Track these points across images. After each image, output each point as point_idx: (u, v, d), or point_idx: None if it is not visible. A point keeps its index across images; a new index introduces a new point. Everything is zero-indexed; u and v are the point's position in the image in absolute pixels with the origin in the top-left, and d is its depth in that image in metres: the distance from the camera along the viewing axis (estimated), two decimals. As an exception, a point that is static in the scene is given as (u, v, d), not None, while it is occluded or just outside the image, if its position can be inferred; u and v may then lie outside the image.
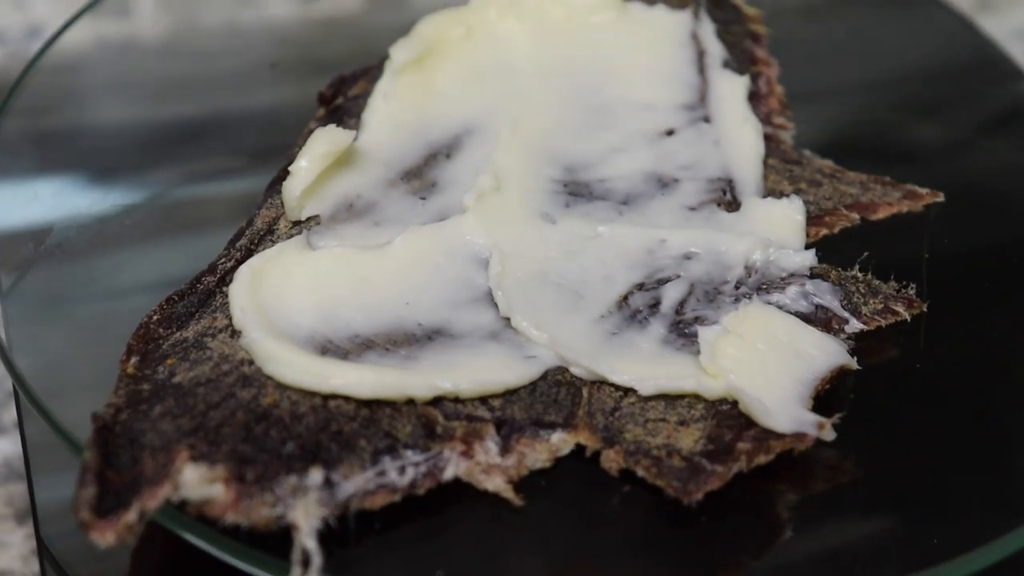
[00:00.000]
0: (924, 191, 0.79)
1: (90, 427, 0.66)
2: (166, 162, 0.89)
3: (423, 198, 0.77)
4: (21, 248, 0.81)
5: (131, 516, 0.63)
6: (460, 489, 0.68)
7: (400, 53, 0.81)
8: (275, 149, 0.83)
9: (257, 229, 0.75)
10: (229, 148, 0.90)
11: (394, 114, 0.79)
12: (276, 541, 0.64)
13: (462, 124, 0.80)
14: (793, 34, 0.89)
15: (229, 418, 0.67)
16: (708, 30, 0.84)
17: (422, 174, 0.78)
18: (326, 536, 0.64)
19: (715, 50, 0.83)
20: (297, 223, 0.76)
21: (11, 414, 0.85)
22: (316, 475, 0.65)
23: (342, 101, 0.81)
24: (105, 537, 0.62)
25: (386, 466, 0.66)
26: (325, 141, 0.76)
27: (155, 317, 0.72)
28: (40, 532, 0.72)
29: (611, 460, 0.68)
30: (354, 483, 0.66)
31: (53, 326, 0.79)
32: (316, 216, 0.76)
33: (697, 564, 0.67)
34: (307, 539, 0.64)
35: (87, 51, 0.98)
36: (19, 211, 0.84)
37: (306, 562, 0.63)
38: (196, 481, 0.64)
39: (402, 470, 0.67)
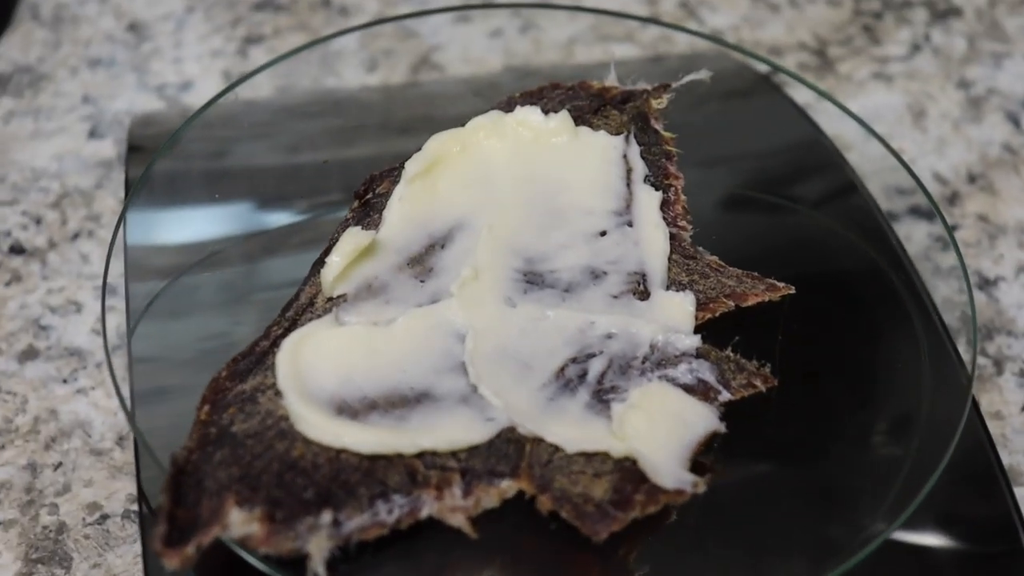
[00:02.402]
0: (781, 285, 0.67)
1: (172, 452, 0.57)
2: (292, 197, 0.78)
3: (422, 281, 0.66)
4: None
5: (190, 549, 0.53)
6: (431, 523, 0.58)
7: (412, 166, 0.69)
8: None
9: (301, 303, 0.65)
10: (334, 187, 0.78)
11: (405, 212, 0.68)
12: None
13: (455, 220, 0.68)
14: (671, 120, 0.76)
15: (267, 467, 0.57)
16: (635, 151, 0.72)
17: (423, 261, 0.67)
18: (332, 561, 0.55)
19: (639, 167, 0.71)
20: (330, 299, 0.65)
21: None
22: (327, 516, 0.56)
23: (371, 197, 0.70)
24: (172, 563, 0.53)
25: (379, 508, 0.57)
26: (352, 241, 0.65)
27: (223, 373, 0.62)
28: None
29: (543, 504, 0.58)
30: (355, 522, 0.56)
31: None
32: (344, 295, 0.65)
33: (600, 583, 0.58)
34: (319, 566, 0.55)
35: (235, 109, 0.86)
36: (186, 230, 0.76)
37: (317, 584, 0.54)
38: (239, 523, 0.55)
39: (390, 511, 0.57)
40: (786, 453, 0.62)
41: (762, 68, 0.90)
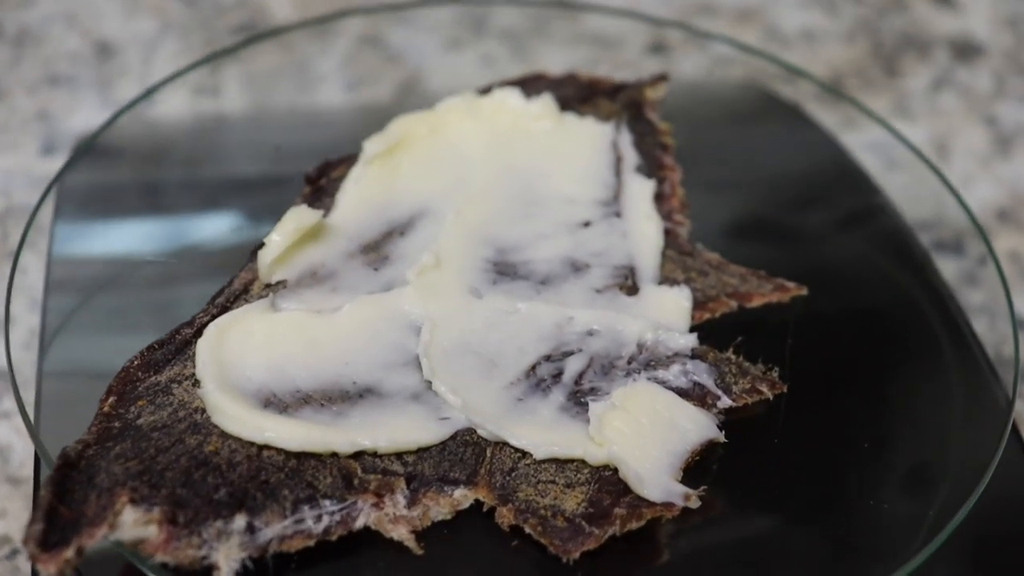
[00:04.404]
0: (792, 285, 0.58)
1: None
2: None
3: (376, 269, 0.56)
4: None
5: (70, 553, 0.43)
6: (368, 536, 0.48)
7: (372, 146, 0.60)
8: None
9: (234, 289, 0.55)
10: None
11: (362, 196, 0.59)
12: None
13: (418, 207, 0.59)
14: (691, 140, 0.66)
15: (174, 463, 0.47)
16: (626, 140, 0.63)
17: (378, 248, 0.57)
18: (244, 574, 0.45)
19: (630, 157, 0.62)
20: (268, 286, 0.55)
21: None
22: (240, 521, 0.46)
23: (324, 182, 0.61)
24: (48, 568, 0.43)
25: (304, 514, 0.46)
26: (295, 219, 0.56)
27: (136, 362, 0.52)
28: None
29: (504, 516, 0.48)
30: (274, 529, 0.46)
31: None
32: (284, 281, 0.55)
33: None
34: (226, 579, 0.44)
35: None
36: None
37: (221, 601, 0.44)
38: (132, 523, 0.44)
39: (319, 518, 0.47)
40: (795, 473, 0.51)
41: (783, 93, 0.81)
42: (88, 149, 0.65)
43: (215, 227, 0.67)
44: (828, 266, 0.63)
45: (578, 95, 0.64)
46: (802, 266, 0.60)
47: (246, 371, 0.50)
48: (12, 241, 0.77)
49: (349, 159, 0.61)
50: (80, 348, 0.59)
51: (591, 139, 0.61)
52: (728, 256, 0.60)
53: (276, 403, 0.50)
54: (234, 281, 0.55)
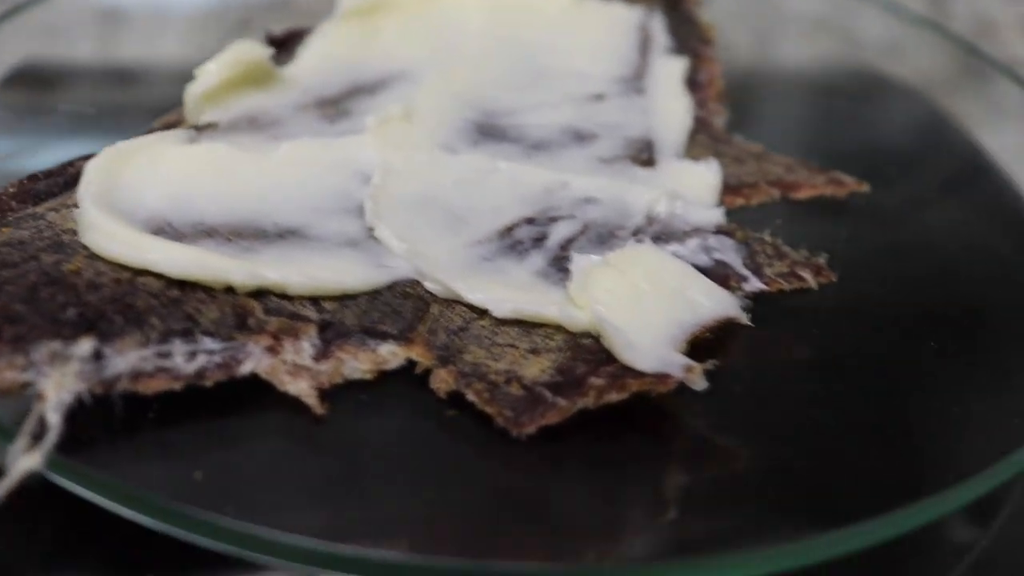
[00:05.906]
0: (849, 179, 0.46)
1: None
2: None
3: (331, 122, 0.44)
4: None
5: None
6: (255, 389, 0.35)
7: (350, 1, 0.50)
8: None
9: (153, 129, 0.44)
10: None
11: (328, 51, 0.48)
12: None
13: (395, 70, 0.48)
14: (787, 108, 0.55)
15: (18, 278, 0.35)
16: (659, 24, 0.52)
17: (338, 103, 0.46)
18: (79, 415, 0.33)
19: (661, 39, 0.51)
20: (195, 127, 0.44)
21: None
22: (85, 345, 0.34)
23: (289, 44, 0.50)
24: None
25: (173, 347, 0.34)
26: (239, 51, 0.45)
27: (11, 190, 0.40)
28: None
29: (441, 380, 0.36)
30: (127, 359, 0.34)
31: None
32: (215, 123, 0.44)
33: (485, 505, 0.33)
34: (51, 412, 0.32)
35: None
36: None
37: (39, 435, 0.32)
38: (-66, 328, 0.33)
39: (191, 355, 0.35)
40: (832, 374, 0.38)
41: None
42: None
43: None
44: (889, 163, 0.49)
45: (602, -17, 0.53)
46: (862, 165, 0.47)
47: (140, 197, 0.39)
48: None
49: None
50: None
51: (614, 19, 0.50)
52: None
53: (169, 231, 0.38)
54: (154, 122, 0.44)
